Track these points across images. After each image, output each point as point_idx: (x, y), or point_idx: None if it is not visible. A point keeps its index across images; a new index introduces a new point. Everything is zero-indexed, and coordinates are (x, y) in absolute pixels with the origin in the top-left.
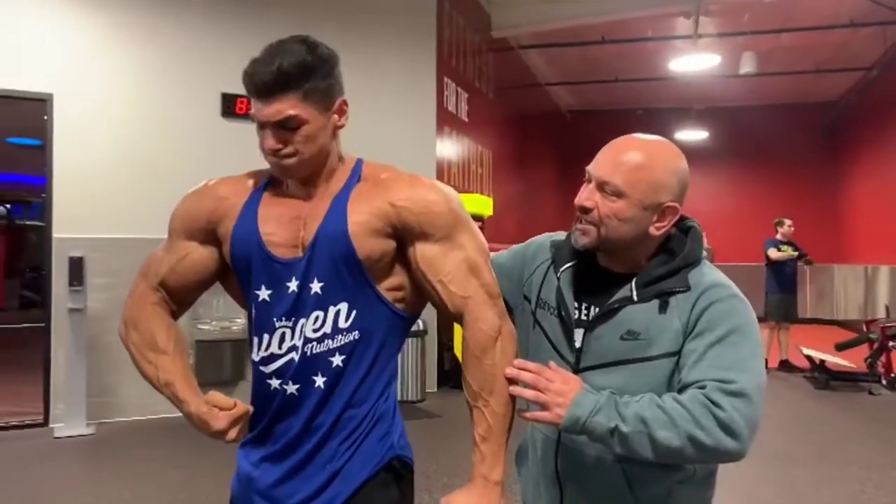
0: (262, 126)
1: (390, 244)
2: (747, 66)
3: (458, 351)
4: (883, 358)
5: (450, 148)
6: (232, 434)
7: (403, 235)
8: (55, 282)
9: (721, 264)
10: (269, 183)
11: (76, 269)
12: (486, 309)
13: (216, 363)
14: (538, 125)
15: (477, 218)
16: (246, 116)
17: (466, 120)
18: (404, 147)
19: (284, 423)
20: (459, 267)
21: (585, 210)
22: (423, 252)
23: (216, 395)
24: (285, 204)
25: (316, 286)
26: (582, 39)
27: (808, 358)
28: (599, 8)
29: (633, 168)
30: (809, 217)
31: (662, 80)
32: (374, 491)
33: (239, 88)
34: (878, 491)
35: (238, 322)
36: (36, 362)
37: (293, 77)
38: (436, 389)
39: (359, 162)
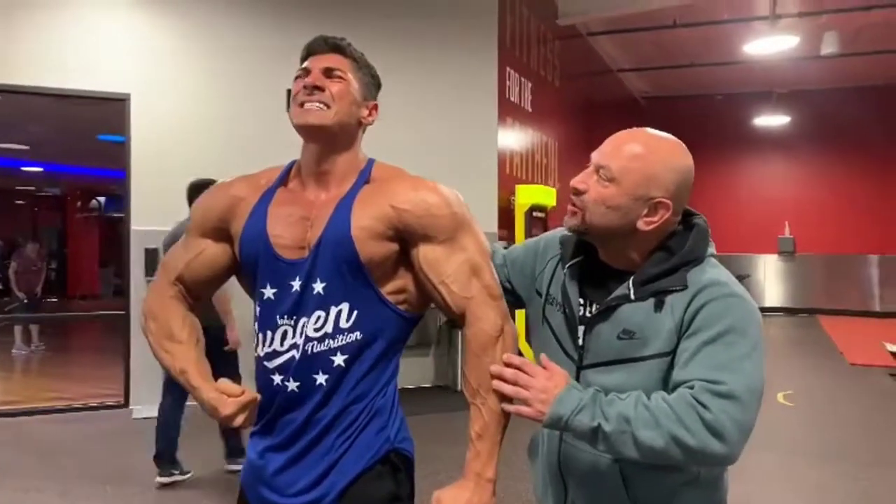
0: (306, 72)
1: (393, 247)
2: (829, 46)
3: None
4: None
5: (512, 138)
6: (239, 420)
7: (406, 237)
8: (133, 272)
9: (804, 254)
10: (282, 181)
11: (152, 260)
12: (488, 309)
13: None
14: (609, 113)
15: (540, 209)
16: None
17: (530, 110)
18: (465, 138)
19: (287, 416)
20: (462, 268)
21: (577, 192)
22: (425, 254)
23: (226, 383)
24: (295, 203)
25: (318, 286)
26: (653, 24)
27: (894, 354)
28: None
29: (630, 157)
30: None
31: (740, 63)
32: (369, 482)
33: None
34: None
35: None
36: (120, 347)
37: (351, 50)
38: None
39: (370, 163)
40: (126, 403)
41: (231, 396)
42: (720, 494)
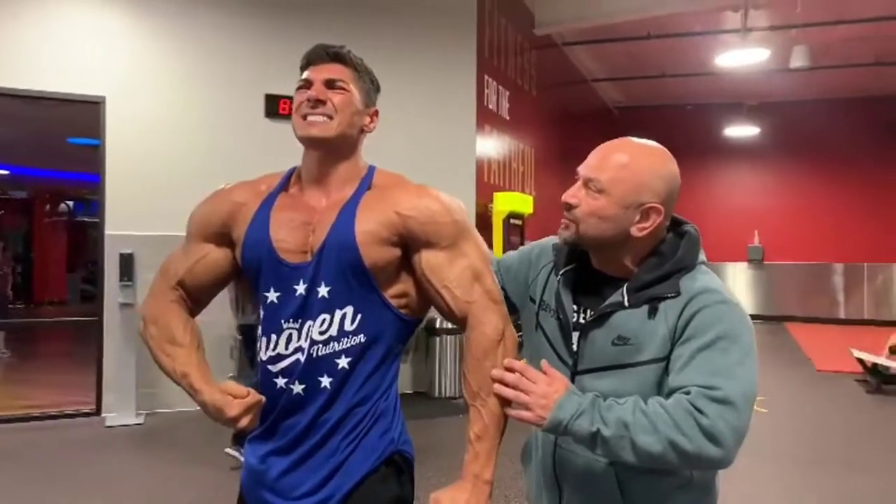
0: (308, 84)
1: (396, 252)
2: (799, 59)
3: None
4: None
5: (490, 146)
6: (244, 421)
7: (409, 243)
8: (107, 277)
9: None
10: (283, 187)
11: (126, 265)
12: (490, 313)
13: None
14: (584, 122)
15: (517, 216)
16: (289, 117)
17: (508, 118)
18: (444, 146)
19: (291, 419)
20: (464, 274)
21: (569, 206)
22: (428, 260)
23: (231, 384)
24: (297, 209)
25: (323, 290)
26: (628, 35)
27: (860, 361)
28: (645, 3)
29: (618, 167)
30: (867, 215)
31: (711, 74)
32: (375, 484)
33: (282, 89)
34: None
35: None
36: (91, 354)
37: (352, 59)
38: None
39: (371, 169)
40: (98, 411)
41: (237, 398)
42: (712, 498)
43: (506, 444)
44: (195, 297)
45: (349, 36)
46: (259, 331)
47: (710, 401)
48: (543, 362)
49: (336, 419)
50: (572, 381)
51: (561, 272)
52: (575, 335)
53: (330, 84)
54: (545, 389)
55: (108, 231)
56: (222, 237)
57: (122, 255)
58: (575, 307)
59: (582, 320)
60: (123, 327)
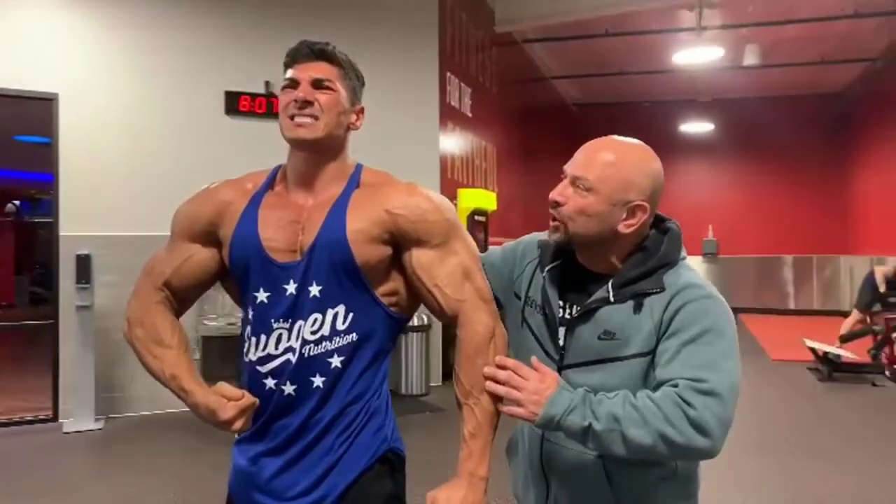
0: (295, 84)
1: (387, 250)
2: (751, 58)
3: None
4: (886, 349)
5: (453, 143)
6: (238, 424)
7: (399, 242)
8: (63, 279)
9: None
10: (269, 186)
11: (83, 267)
12: (481, 312)
13: (222, 358)
14: (543, 119)
15: (481, 213)
16: (249, 114)
17: (470, 115)
18: (407, 143)
19: (282, 420)
20: (454, 272)
21: (556, 204)
22: (418, 258)
23: (225, 386)
24: (284, 207)
25: (315, 289)
26: (586, 32)
27: (812, 349)
28: (603, 1)
29: (605, 165)
30: (816, 208)
31: (667, 72)
32: (370, 482)
33: (242, 86)
34: (883, 482)
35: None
36: (45, 358)
37: (338, 57)
38: (440, 383)
39: (358, 167)
40: (55, 417)
41: (231, 400)
42: (694, 487)
43: None
44: (181, 298)
45: (310, 32)
46: (247, 331)
47: (697, 393)
48: (533, 359)
49: (329, 418)
50: (558, 375)
51: (547, 269)
52: (561, 330)
53: (317, 84)
54: (537, 386)
55: (62, 232)
56: (209, 236)
57: (78, 257)
58: (560, 303)
59: (568, 316)
60: (81, 330)
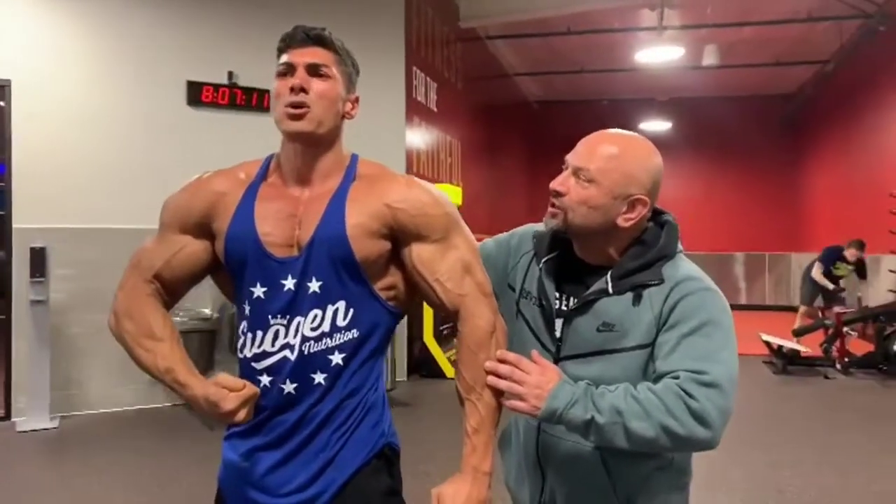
0: (290, 70)
1: (386, 245)
2: (710, 58)
3: (427, 340)
4: (837, 343)
5: (419, 138)
6: (241, 415)
7: (399, 236)
8: (16, 273)
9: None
10: (263, 177)
11: (38, 260)
12: (482, 306)
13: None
14: (506, 115)
15: None
16: (212, 105)
17: (435, 110)
18: (374, 137)
19: (280, 416)
20: (455, 266)
21: (558, 194)
22: (419, 252)
23: (225, 377)
24: (281, 200)
25: (314, 285)
26: (548, 30)
27: (767, 343)
28: (566, 0)
29: (608, 158)
30: (768, 206)
31: (627, 71)
32: (368, 478)
33: (205, 76)
34: (833, 471)
35: (206, 313)
36: None
37: (334, 43)
38: (405, 378)
39: (354, 158)
40: (8, 416)
41: (232, 391)
42: (687, 478)
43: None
44: (171, 291)
45: (274, 23)
46: (242, 327)
47: (698, 384)
48: (534, 352)
49: (326, 412)
50: (559, 369)
51: (543, 260)
52: (558, 322)
53: (313, 70)
54: (538, 379)
55: (16, 224)
56: (202, 228)
57: (32, 250)
58: (557, 294)
59: (564, 307)
60: (35, 326)
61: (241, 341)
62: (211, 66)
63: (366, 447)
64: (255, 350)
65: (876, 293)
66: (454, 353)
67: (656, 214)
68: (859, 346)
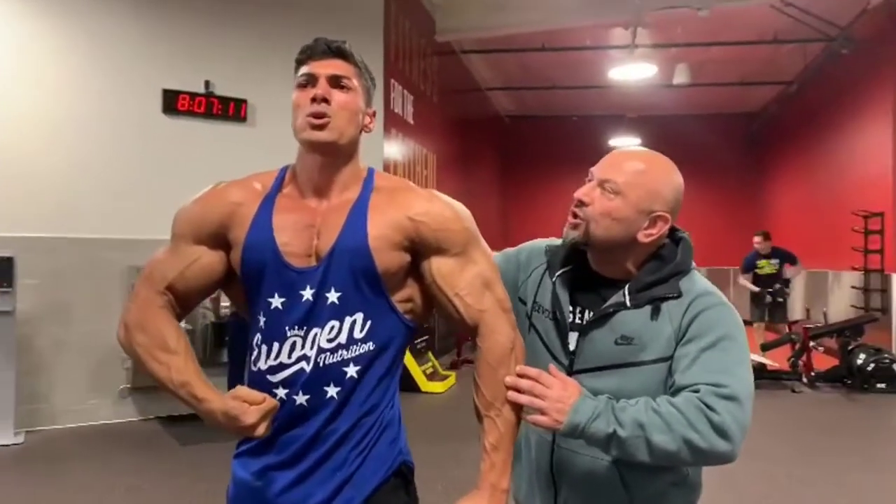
0: (311, 80)
1: (406, 257)
2: (681, 76)
3: None
4: (804, 358)
5: (396, 149)
6: (261, 429)
7: (420, 249)
8: None
9: None
10: (279, 188)
11: (5, 270)
12: (502, 321)
13: None
14: (480, 129)
15: None
16: (188, 114)
17: (412, 122)
18: None
19: (292, 432)
20: (475, 281)
21: (581, 203)
22: (439, 266)
23: (244, 390)
24: (298, 211)
25: (333, 296)
26: (522, 46)
27: None
28: (541, 17)
29: (635, 172)
30: (733, 221)
31: (598, 88)
32: (386, 496)
33: (181, 85)
34: (801, 485)
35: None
36: None
37: (354, 56)
38: None
39: (370, 171)
40: None
41: (252, 404)
42: (698, 493)
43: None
44: (184, 303)
45: (253, 35)
46: (256, 339)
47: (719, 398)
48: (552, 367)
49: (344, 430)
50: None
51: (557, 274)
52: (573, 335)
53: (334, 81)
54: (560, 394)
55: None
56: (217, 239)
57: None
58: (571, 308)
59: (579, 321)
60: (1, 337)
61: (254, 354)
62: (187, 74)
63: (384, 465)
64: (271, 362)
65: (838, 309)
66: (429, 366)
67: (671, 231)
68: (822, 361)
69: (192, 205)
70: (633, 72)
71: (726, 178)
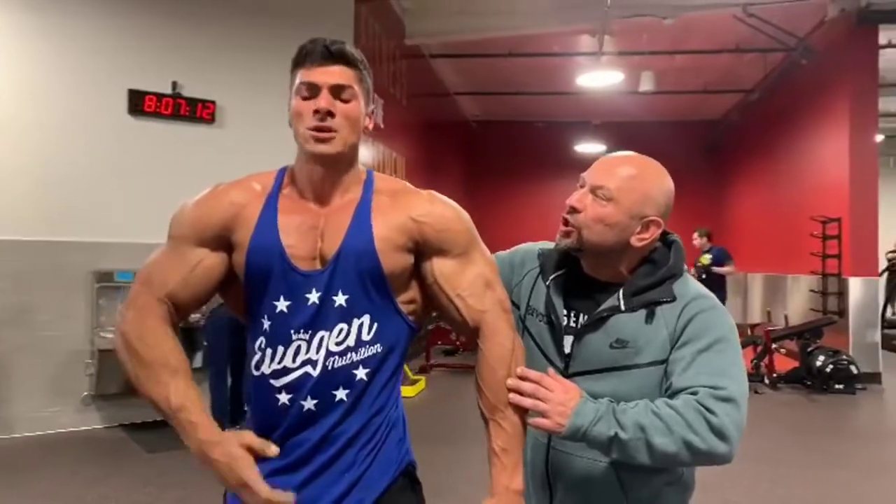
0: (313, 90)
1: (410, 259)
2: (646, 84)
3: None
4: (766, 359)
5: (366, 153)
6: (262, 492)
7: (422, 250)
8: None
9: None
10: (279, 188)
11: None
12: (503, 322)
13: (120, 374)
14: (447, 133)
15: None
16: (155, 115)
17: (382, 126)
18: None
19: (299, 436)
20: (476, 282)
21: (573, 210)
22: (440, 267)
23: (249, 435)
24: (301, 213)
25: (340, 299)
26: (490, 52)
27: None
28: (508, 23)
29: (627, 178)
30: (693, 226)
31: (563, 94)
32: (396, 496)
33: (147, 85)
34: (770, 483)
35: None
36: None
37: (356, 59)
38: None
39: (369, 173)
40: None
41: (259, 453)
42: (689, 494)
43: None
44: (183, 310)
45: (222, 35)
46: (259, 343)
47: (717, 400)
48: (550, 370)
49: (354, 432)
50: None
51: (551, 278)
52: (568, 339)
53: (337, 91)
54: (562, 397)
55: None
56: (220, 241)
57: None
58: (565, 311)
59: (573, 324)
60: None
61: (255, 358)
62: (154, 74)
63: (392, 465)
64: (275, 366)
65: (797, 312)
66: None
67: (662, 234)
68: (783, 363)
69: (193, 207)
70: (600, 79)
71: (688, 183)
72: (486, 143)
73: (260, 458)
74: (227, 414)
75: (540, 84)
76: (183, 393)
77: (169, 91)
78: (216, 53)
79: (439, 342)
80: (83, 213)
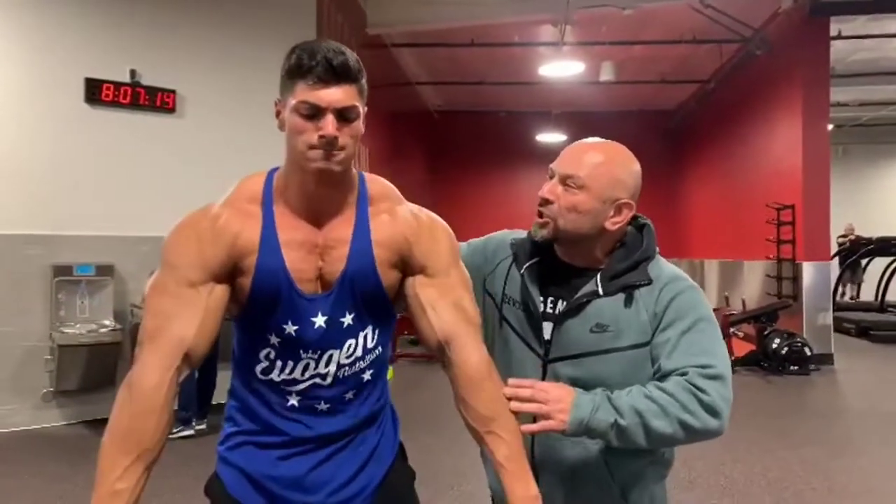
0: (316, 112)
1: (399, 275)
2: (606, 74)
3: None
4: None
5: None
6: None
7: (407, 264)
8: None
9: None
10: (270, 201)
11: None
12: (475, 338)
13: (81, 370)
14: (410, 123)
15: None
16: (113, 104)
17: None
18: (283, 145)
19: (308, 432)
20: (447, 297)
21: (546, 202)
22: (421, 281)
23: None
24: (298, 230)
25: (347, 319)
26: (452, 41)
27: None
28: (470, 12)
29: (595, 164)
30: (651, 214)
31: (525, 84)
32: (400, 468)
33: (105, 73)
34: (732, 462)
35: (106, 324)
36: None
37: (358, 72)
38: None
39: (360, 176)
40: None
41: None
42: (667, 469)
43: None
44: (198, 361)
45: (184, 23)
46: (268, 352)
47: (706, 378)
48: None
49: (363, 417)
50: (543, 369)
51: (525, 266)
52: (547, 325)
53: (343, 115)
54: (558, 394)
55: None
56: (224, 270)
57: None
58: (541, 298)
59: (551, 310)
60: None
61: (262, 364)
62: (112, 62)
63: (394, 441)
64: (285, 376)
65: (753, 296)
66: None
67: (633, 218)
68: (740, 346)
69: (189, 245)
70: (561, 69)
71: (646, 172)
72: (449, 133)
73: (264, 447)
74: (195, 408)
75: (502, 74)
76: (130, 487)
77: (127, 79)
78: (177, 41)
79: (406, 332)
80: (40, 206)
